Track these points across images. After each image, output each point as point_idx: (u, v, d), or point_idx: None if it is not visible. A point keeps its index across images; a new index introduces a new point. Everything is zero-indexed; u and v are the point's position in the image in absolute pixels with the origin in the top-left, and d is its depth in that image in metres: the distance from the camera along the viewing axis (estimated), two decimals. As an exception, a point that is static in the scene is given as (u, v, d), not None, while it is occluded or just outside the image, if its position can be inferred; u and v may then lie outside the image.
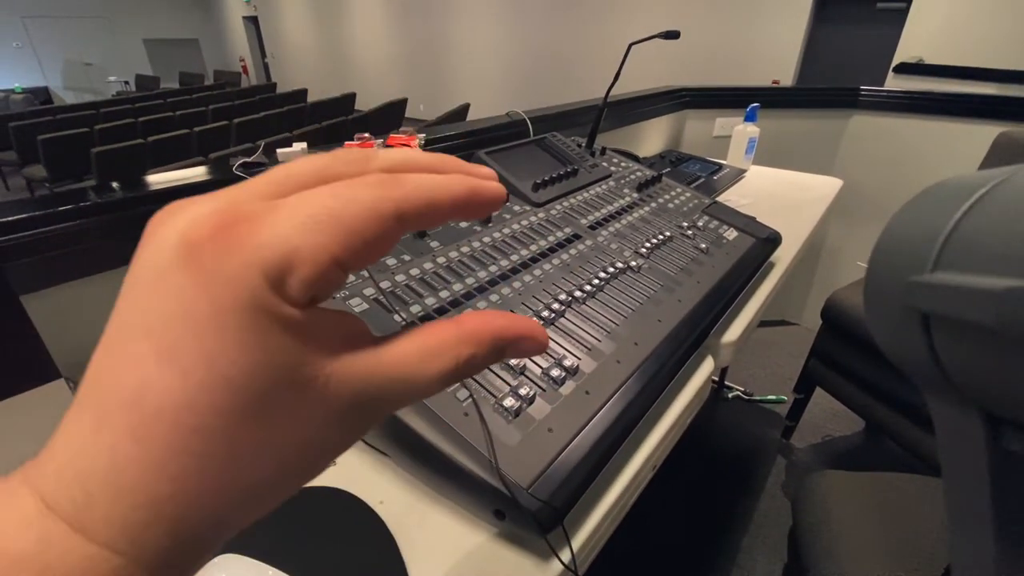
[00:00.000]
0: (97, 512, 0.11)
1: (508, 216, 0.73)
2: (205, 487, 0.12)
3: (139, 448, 0.11)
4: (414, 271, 0.58)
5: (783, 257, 0.89)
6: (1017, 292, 0.14)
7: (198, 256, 0.11)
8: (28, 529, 0.11)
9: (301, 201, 0.13)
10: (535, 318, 0.54)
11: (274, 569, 0.37)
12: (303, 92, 6.49)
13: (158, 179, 0.68)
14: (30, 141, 4.10)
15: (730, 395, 1.82)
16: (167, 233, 0.12)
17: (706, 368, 0.63)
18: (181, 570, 0.12)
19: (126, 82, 8.95)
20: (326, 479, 0.44)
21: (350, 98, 5.75)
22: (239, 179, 0.67)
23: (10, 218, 0.51)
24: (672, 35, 0.97)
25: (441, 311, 0.53)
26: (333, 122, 4.38)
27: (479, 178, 0.16)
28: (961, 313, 0.16)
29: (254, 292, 0.12)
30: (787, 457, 1.59)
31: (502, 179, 0.79)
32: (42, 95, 8.20)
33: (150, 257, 0.12)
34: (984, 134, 1.52)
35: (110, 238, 0.59)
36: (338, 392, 0.13)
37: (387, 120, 4.81)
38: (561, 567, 0.40)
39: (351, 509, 0.43)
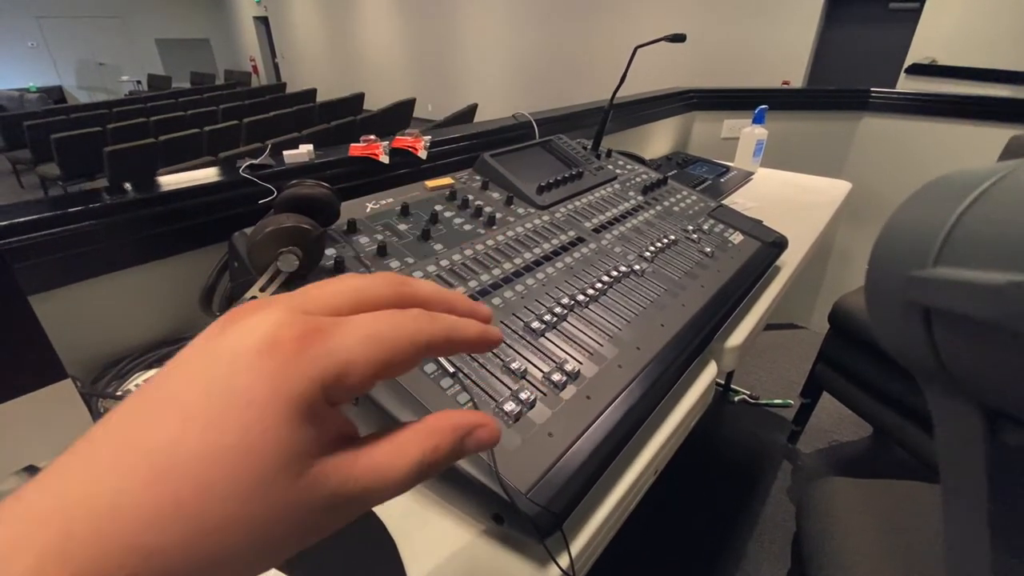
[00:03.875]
0: (70, 553, 0.11)
1: (512, 219, 0.73)
2: (184, 547, 0.12)
3: (147, 495, 0.12)
4: (417, 274, 0.58)
5: (789, 261, 0.88)
6: (1018, 286, 0.14)
7: (277, 350, 0.14)
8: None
9: (362, 322, 0.16)
10: (536, 322, 0.54)
11: (274, 570, 0.37)
12: (312, 92, 6.53)
13: (168, 181, 0.69)
14: (44, 140, 4.15)
15: (736, 398, 1.81)
16: (252, 325, 0.14)
17: (709, 373, 0.62)
18: None
19: (138, 81, 9.06)
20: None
21: (359, 98, 5.78)
22: (246, 181, 0.68)
23: (19, 219, 0.52)
24: (678, 38, 0.96)
25: (443, 314, 0.53)
26: (341, 122, 4.40)
27: (482, 319, 0.20)
28: (962, 308, 0.16)
29: (310, 387, 0.14)
30: (793, 462, 1.58)
31: (506, 181, 0.79)
32: (56, 94, 8.31)
33: (230, 341, 0.14)
34: (997, 137, 1.50)
35: (118, 240, 0.59)
36: (319, 488, 0.14)
37: (395, 120, 4.83)
38: (560, 572, 0.40)
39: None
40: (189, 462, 0.13)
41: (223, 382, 0.14)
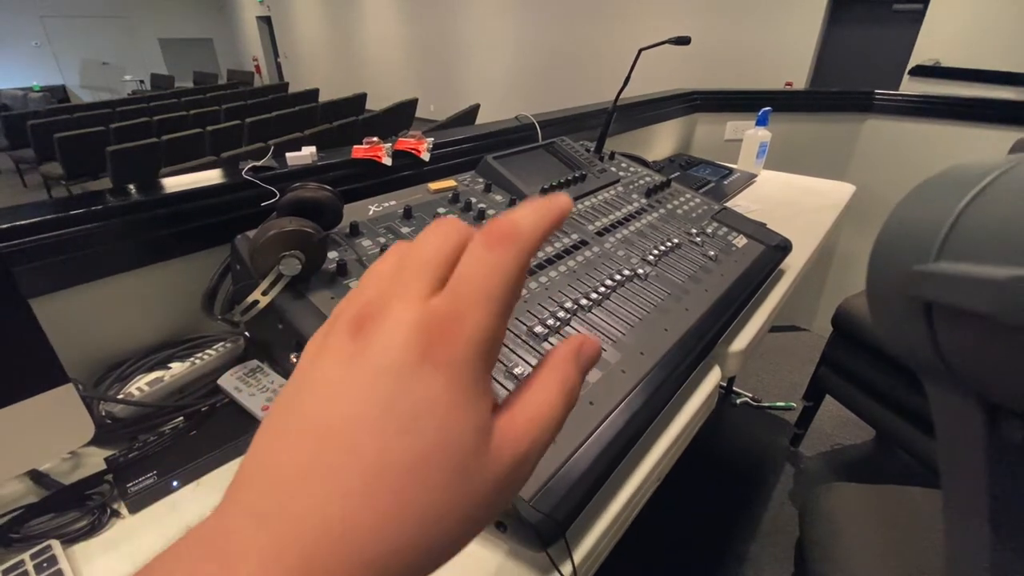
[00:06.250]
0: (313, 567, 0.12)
1: (515, 222, 0.72)
2: (413, 546, 0.13)
3: (370, 505, 0.13)
4: (420, 277, 0.57)
5: (793, 264, 0.88)
6: (1020, 281, 0.14)
7: (430, 351, 0.15)
8: None
9: (472, 287, 0.16)
10: (539, 326, 0.54)
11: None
12: (315, 92, 6.53)
13: (170, 183, 0.69)
14: (47, 139, 4.15)
15: (738, 401, 1.81)
16: (390, 336, 0.15)
17: (713, 378, 0.62)
18: None
19: (141, 81, 9.07)
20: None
21: (361, 98, 5.78)
22: (248, 183, 0.67)
23: (20, 222, 0.52)
24: (683, 41, 0.96)
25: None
26: (344, 122, 4.39)
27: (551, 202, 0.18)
28: (964, 302, 0.16)
29: (469, 367, 0.15)
30: (796, 465, 1.57)
31: (509, 183, 0.79)
32: (59, 94, 8.33)
33: (382, 358, 0.15)
34: (1001, 139, 1.49)
35: (120, 242, 0.59)
36: (503, 454, 0.15)
37: (397, 120, 4.83)
38: (562, 580, 0.39)
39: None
40: (398, 470, 0.13)
41: (401, 395, 0.14)
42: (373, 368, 0.15)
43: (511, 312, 0.16)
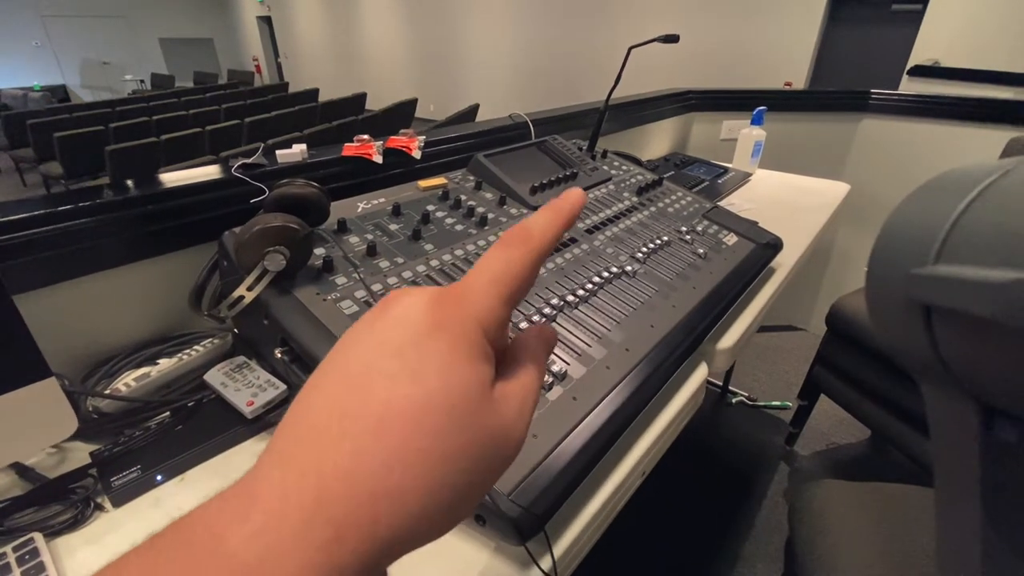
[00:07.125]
0: (328, 512, 0.13)
1: (505, 219, 0.73)
2: (420, 483, 0.14)
3: (379, 444, 0.14)
4: (406, 274, 0.58)
5: (784, 263, 0.88)
6: (1020, 284, 0.14)
7: (442, 318, 0.17)
8: (256, 539, 0.13)
9: (482, 271, 0.19)
10: (524, 322, 0.54)
11: None
12: (314, 92, 6.54)
13: (160, 179, 0.69)
14: (47, 138, 4.16)
15: (734, 400, 1.81)
16: (409, 302, 0.17)
17: (700, 374, 0.62)
18: None
19: (141, 81, 9.08)
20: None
21: (361, 98, 5.78)
22: (238, 180, 0.67)
23: (6, 218, 0.52)
24: (671, 39, 0.96)
25: (431, 314, 0.53)
26: (343, 122, 4.39)
27: (562, 203, 0.21)
28: (963, 305, 0.16)
29: (474, 329, 0.17)
30: (790, 464, 1.57)
31: (500, 181, 0.79)
32: (60, 93, 8.34)
33: (399, 316, 0.17)
34: (996, 139, 1.49)
35: (109, 238, 0.59)
36: (501, 409, 0.17)
37: (397, 120, 4.83)
38: (541, 574, 0.39)
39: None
40: (407, 409, 0.15)
41: (411, 346, 0.16)
42: (392, 323, 0.17)
43: (517, 299, 0.19)
